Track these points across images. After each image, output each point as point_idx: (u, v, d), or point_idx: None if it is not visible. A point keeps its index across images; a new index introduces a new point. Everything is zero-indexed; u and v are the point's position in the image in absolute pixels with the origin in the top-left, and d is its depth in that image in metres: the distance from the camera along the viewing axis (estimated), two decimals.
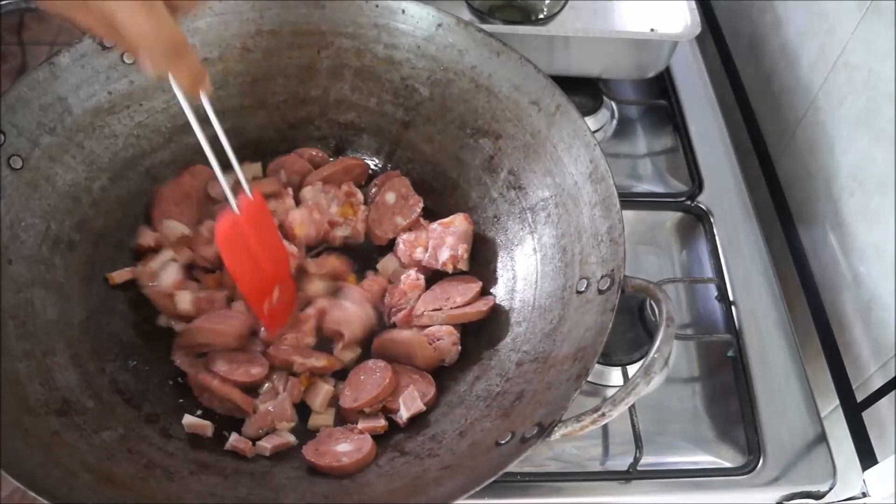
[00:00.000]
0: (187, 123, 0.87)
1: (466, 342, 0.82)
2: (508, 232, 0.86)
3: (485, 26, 0.87)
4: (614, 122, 1.10)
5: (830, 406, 0.88)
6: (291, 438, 0.75)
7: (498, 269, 0.86)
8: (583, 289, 0.73)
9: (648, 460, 0.78)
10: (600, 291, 0.70)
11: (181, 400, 0.76)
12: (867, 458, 0.80)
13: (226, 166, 0.72)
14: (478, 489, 0.59)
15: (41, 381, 0.70)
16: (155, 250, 0.84)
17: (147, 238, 0.84)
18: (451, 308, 0.81)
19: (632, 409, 0.79)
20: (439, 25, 0.87)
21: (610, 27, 1.10)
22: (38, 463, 0.62)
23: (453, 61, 0.88)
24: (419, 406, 0.74)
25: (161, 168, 0.88)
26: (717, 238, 0.95)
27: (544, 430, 0.61)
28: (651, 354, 0.60)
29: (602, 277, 0.71)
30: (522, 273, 0.83)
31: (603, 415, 0.60)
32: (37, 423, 0.66)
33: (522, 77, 0.84)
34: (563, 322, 0.73)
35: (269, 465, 0.72)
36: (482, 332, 0.82)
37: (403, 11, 0.88)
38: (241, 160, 0.90)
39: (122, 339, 0.79)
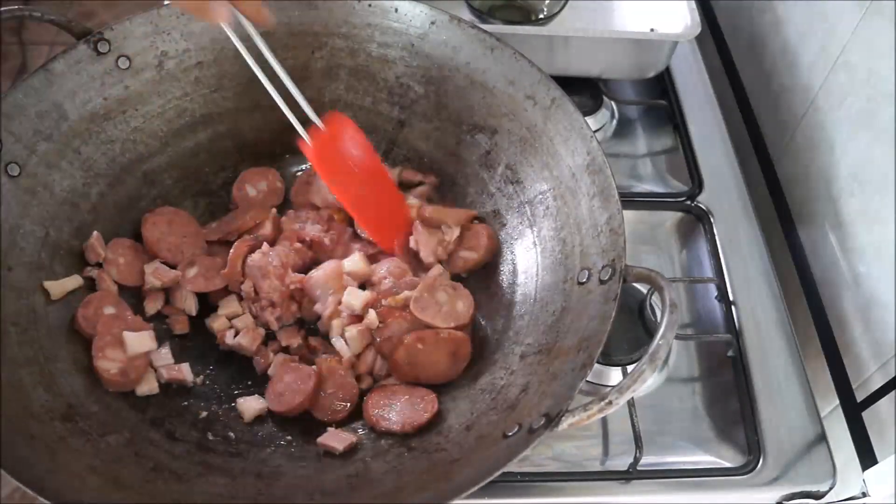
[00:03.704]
0: (183, 127, 0.92)
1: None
2: (507, 226, 0.89)
3: (485, 26, 0.90)
4: (614, 122, 1.13)
5: (830, 406, 0.91)
6: None
7: (498, 263, 0.89)
8: (584, 279, 0.76)
9: (648, 460, 0.80)
10: (602, 281, 0.73)
11: (185, 403, 0.80)
12: (867, 458, 0.83)
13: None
14: (487, 481, 0.61)
15: (45, 387, 0.73)
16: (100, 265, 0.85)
17: (95, 254, 0.84)
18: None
19: (632, 409, 0.82)
20: (432, 23, 0.90)
21: (610, 27, 1.13)
22: (45, 468, 0.65)
23: (447, 58, 0.91)
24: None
25: (159, 172, 0.91)
26: (717, 238, 0.98)
27: (552, 420, 0.63)
28: (656, 341, 0.62)
29: (603, 267, 0.74)
30: (523, 266, 0.86)
31: (610, 402, 0.61)
32: (42, 428, 0.69)
33: (517, 72, 0.87)
34: (566, 313, 0.76)
35: (277, 464, 0.75)
36: (483, 326, 0.85)
37: (396, 10, 0.91)
38: (238, 162, 0.95)
39: None
